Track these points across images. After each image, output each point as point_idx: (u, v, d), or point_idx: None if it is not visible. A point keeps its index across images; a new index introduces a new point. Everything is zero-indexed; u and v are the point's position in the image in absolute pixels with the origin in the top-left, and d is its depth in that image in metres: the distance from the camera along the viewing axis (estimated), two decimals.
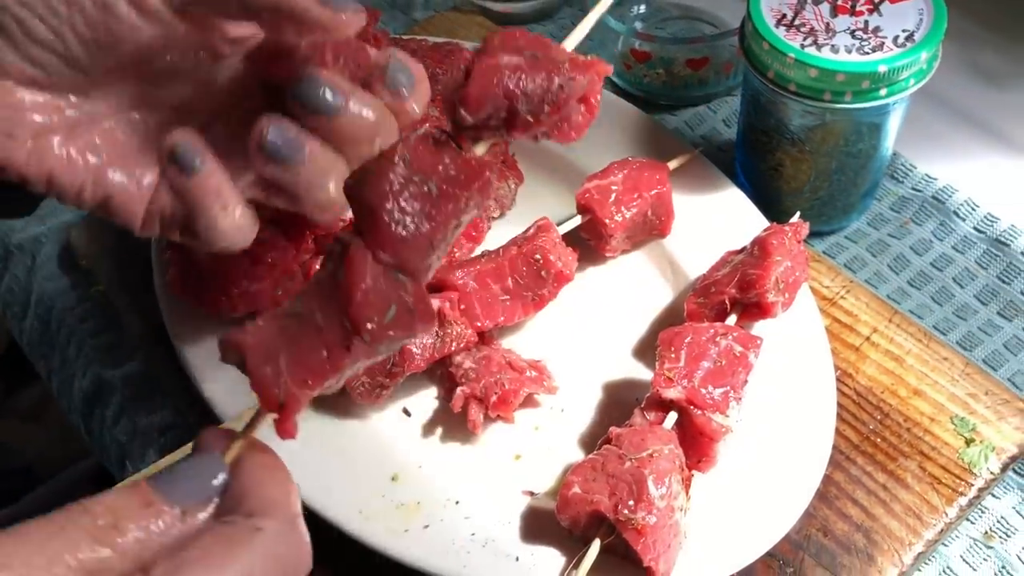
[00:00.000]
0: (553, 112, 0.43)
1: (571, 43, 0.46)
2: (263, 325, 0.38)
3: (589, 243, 0.65)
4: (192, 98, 0.46)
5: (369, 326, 0.37)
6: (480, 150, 0.43)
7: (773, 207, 0.68)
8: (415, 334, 0.39)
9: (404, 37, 0.76)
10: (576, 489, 0.51)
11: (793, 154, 0.65)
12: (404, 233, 0.38)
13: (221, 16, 0.44)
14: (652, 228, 0.66)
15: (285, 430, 0.37)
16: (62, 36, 0.40)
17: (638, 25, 0.85)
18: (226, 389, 0.60)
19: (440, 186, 0.40)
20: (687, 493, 0.52)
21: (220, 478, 0.33)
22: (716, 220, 0.66)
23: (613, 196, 0.63)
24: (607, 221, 0.62)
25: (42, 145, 0.42)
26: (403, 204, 0.39)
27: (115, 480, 0.72)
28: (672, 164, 0.66)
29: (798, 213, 0.65)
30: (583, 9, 0.88)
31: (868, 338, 0.63)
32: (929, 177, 0.73)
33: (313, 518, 0.54)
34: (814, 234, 0.70)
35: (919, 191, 0.72)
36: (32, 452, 1.38)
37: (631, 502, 0.50)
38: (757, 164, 0.68)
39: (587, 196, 0.63)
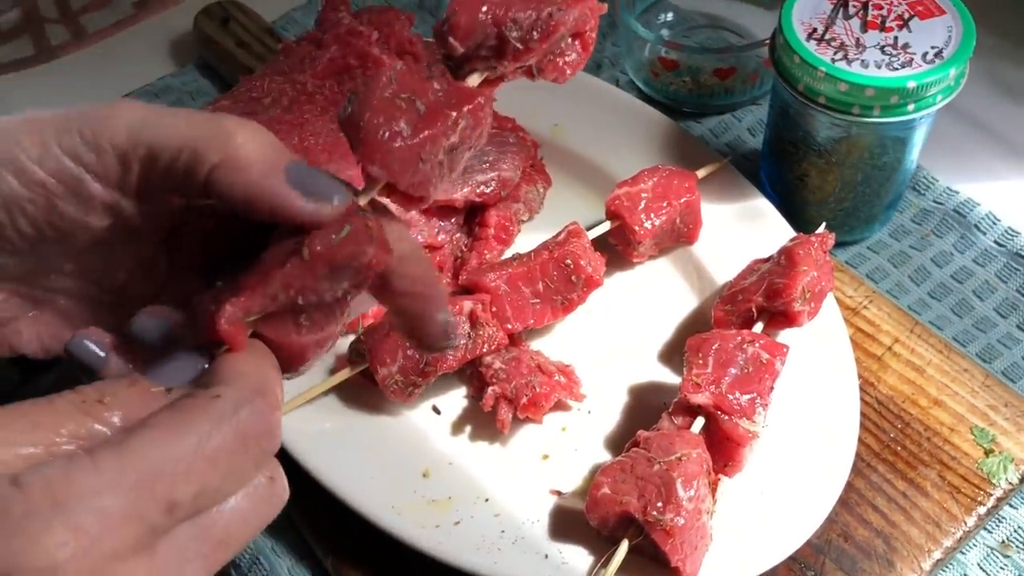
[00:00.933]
0: (543, 40, 0.43)
1: None
2: (220, 285, 0.38)
3: (617, 248, 0.67)
4: (151, 257, 0.43)
5: (313, 243, 0.37)
6: (473, 80, 0.43)
7: (797, 216, 0.69)
8: (366, 256, 0.38)
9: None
10: (606, 490, 0.52)
11: (819, 165, 0.66)
12: (392, 144, 0.39)
13: (186, 198, 0.40)
14: (680, 235, 0.67)
15: (234, 342, 0.36)
16: (9, 240, 0.38)
17: (665, 33, 0.86)
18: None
19: (429, 105, 0.40)
20: (714, 496, 0.54)
21: (202, 364, 0.35)
22: (742, 228, 0.67)
23: (643, 203, 0.64)
24: (636, 228, 0.64)
25: (3, 332, 0.42)
26: (392, 116, 0.39)
27: None
28: (701, 173, 0.67)
29: (824, 224, 0.66)
30: (611, 16, 0.89)
31: (890, 348, 0.64)
32: (951, 190, 0.74)
33: (347, 512, 0.56)
34: (837, 244, 0.70)
35: (941, 204, 0.73)
36: None
37: (660, 504, 0.51)
38: (783, 173, 0.69)
39: (617, 203, 0.64)
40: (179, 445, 0.31)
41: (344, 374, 0.59)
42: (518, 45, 0.43)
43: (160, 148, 0.37)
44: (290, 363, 0.39)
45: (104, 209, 0.38)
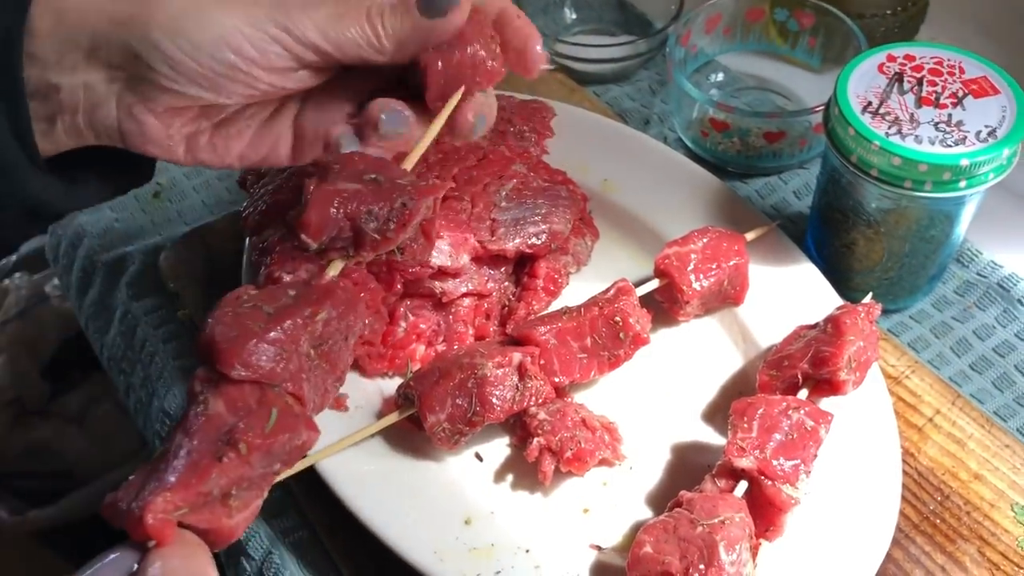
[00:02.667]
0: (399, 229, 0.47)
1: (410, 162, 0.51)
2: (133, 478, 0.41)
3: (663, 306, 0.68)
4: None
5: (249, 436, 0.40)
6: (334, 269, 0.47)
7: (843, 283, 0.70)
8: (299, 440, 0.43)
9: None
10: (648, 548, 0.53)
11: (867, 234, 0.67)
12: (244, 345, 0.42)
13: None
14: (726, 297, 0.68)
15: (162, 538, 0.39)
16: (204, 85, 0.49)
17: (714, 93, 0.87)
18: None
19: (278, 308, 0.44)
20: (754, 561, 0.54)
21: (131, 562, 0.38)
22: (788, 292, 0.68)
23: (692, 264, 0.65)
24: (685, 288, 0.65)
25: (194, 145, 0.52)
26: (242, 324, 0.43)
27: None
28: (750, 236, 0.68)
29: (870, 294, 0.66)
30: (660, 73, 0.90)
31: (931, 419, 0.64)
32: (995, 264, 0.74)
33: (389, 556, 0.57)
34: (880, 311, 0.71)
35: (984, 277, 0.74)
36: (73, 455, 1.40)
37: (702, 566, 0.51)
38: (830, 240, 0.70)
39: (666, 262, 0.65)
40: None
41: (392, 418, 0.60)
42: (375, 236, 0.46)
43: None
44: (221, 544, 0.42)
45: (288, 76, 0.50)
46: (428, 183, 0.49)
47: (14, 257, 1.49)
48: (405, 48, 0.50)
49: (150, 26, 0.47)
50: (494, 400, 0.59)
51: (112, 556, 0.38)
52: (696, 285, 0.65)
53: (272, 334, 0.43)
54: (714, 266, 0.65)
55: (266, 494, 0.43)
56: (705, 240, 0.66)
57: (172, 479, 0.39)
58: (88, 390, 1.43)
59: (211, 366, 0.42)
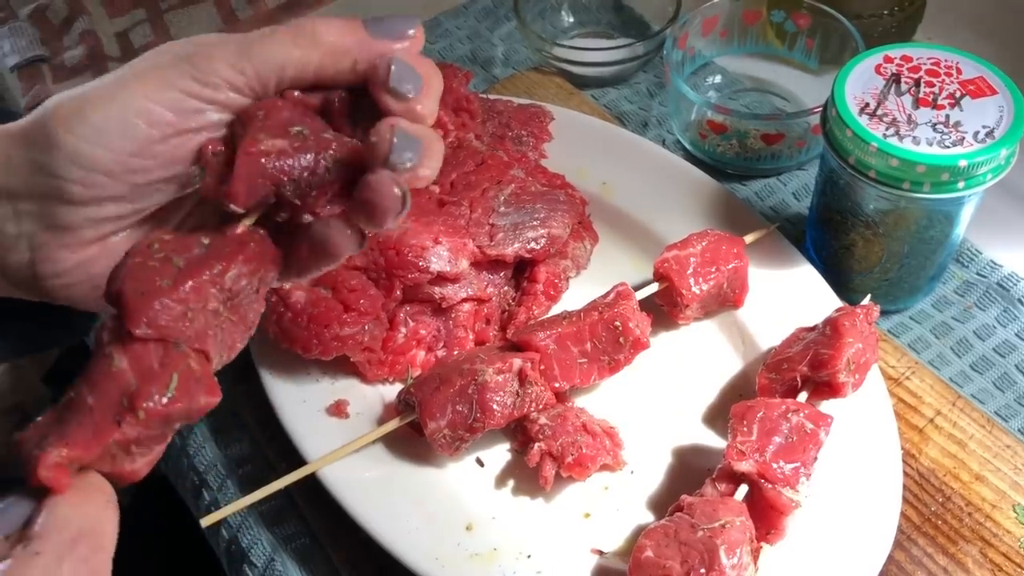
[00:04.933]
0: (320, 196, 0.44)
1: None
2: (42, 420, 0.40)
3: (663, 309, 0.68)
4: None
5: (148, 404, 0.39)
6: (247, 221, 0.44)
7: (842, 284, 0.70)
8: (198, 405, 0.41)
9: (491, 97, 0.79)
10: (649, 553, 0.53)
11: (866, 236, 0.67)
12: (151, 301, 0.40)
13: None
14: (726, 300, 0.68)
15: (57, 487, 0.38)
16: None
17: (712, 95, 0.87)
18: (308, 426, 0.63)
19: (189, 260, 0.42)
20: (756, 564, 0.54)
21: (28, 508, 0.37)
22: (787, 294, 0.68)
23: (691, 267, 0.65)
24: (684, 291, 0.65)
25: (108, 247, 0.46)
26: (149, 278, 0.41)
27: (170, 501, 0.74)
28: (749, 238, 0.68)
29: (869, 295, 0.66)
30: (658, 75, 0.90)
31: (932, 420, 0.64)
32: (995, 263, 0.74)
33: (390, 561, 0.57)
34: (880, 312, 0.71)
35: (984, 276, 0.74)
36: None
37: (703, 570, 0.51)
38: (829, 242, 0.70)
39: (666, 265, 0.65)
40: None
41: (393, 424, 0.61)
42: (296, 201, 0.44)
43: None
44: (124, 484, 0.41)
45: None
46: (352, 141, 0.45)
47: None
48: (342, 53, 0.44)
49: (50, 127, 0.42)
50: (495, 406, 0.59)
51: (9, 503, 0.38)
52: (695, 288, 0.65)
53: (180, 291, 0.41)
54: (713, 269, 0.65)
55: (170, 439, 0.42)
56: (704, 243, 0.66)
57: (70, 435, 0.39)
58: None
59: (118, 319, 0.41)
